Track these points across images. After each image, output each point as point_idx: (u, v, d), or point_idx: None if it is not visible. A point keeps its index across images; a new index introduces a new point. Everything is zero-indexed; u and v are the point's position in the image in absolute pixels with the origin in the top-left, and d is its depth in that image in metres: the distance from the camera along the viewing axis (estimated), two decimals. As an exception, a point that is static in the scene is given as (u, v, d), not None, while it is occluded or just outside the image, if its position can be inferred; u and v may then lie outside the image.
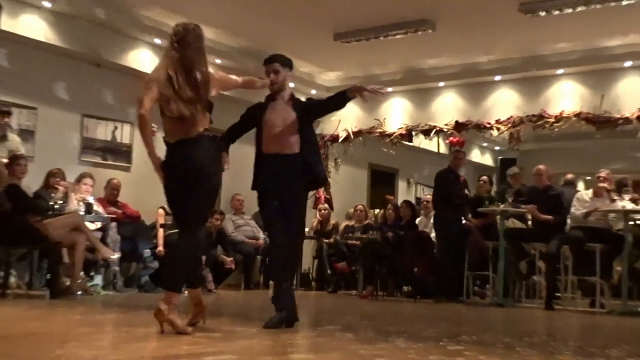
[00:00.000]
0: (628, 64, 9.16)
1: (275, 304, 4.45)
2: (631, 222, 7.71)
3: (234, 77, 4.49)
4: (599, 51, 9.23)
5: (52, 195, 7.24)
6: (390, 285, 9.22)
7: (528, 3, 7.91)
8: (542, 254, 7.95)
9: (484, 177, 9.52)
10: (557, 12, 7.91)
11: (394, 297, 9.02)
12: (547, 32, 8.77)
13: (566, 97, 9.59)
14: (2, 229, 6.29)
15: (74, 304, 5.96)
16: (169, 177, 4.12)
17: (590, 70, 9.47)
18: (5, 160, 6.92)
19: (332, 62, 10.06)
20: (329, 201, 11.17)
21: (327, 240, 10.22)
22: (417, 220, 9.56)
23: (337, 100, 4.71)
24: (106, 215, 7.81)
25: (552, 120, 9.47)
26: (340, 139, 11.22)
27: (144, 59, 9.25)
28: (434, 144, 11.50)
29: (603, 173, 7.96)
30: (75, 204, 7.42)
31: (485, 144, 14.96)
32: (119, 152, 9.35)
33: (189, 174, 4.01)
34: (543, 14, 7.98)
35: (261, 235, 9.69)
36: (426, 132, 10.64)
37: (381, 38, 9.00)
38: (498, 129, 9.98)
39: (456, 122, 10.31)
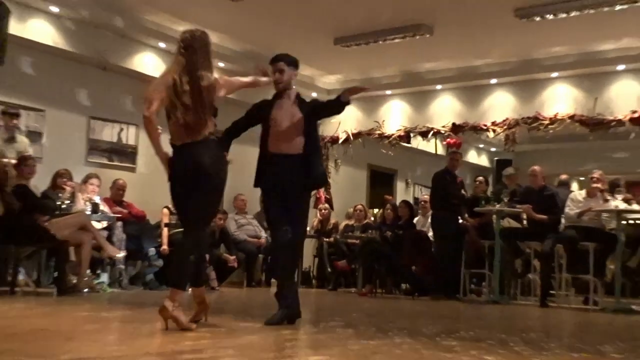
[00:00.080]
0: (621, 67, 9.16)
1: (278, 299, 4.44)
2: (624, 222, 7.72)
3: (238, 78, 4.47)
4: (592, 55, 9.23)
5: (60, 195, 7.25)
6: (389, 283, 9.22)
7: (523, 8, 7.91)
8: (537, 252, 7.94)
9: (480, 178, 9.53)
10: (551, 17, 7.92)
11: (393, 295, 9.02)
12: (542, 36, 8.77)
13: (560, 99, 9.59)
14: (11, 228, 6.30)
15: (81, 301, 5.96)
16: (174, 179, 4.12)
17: (583, 73, 9.47)
18: (13, 161, 6.92)
19: (333, 65, 10.06)
20: (329, 201, 11.18)
21: (327, 239, 10.22)
22: (415, 220, 9.56)
23: (335, 106, 4.69)
24: (112, 215, 7.81)
25: (547, 122, 9.47)
26: (340, 141, 11.22)
27: (148, 62, 9.27)
28: (432, 146, 11.52)
29: (596, 174, 7.96)
30: (82, 204, 7.42)
31: (481, 146, 14.95)
32: (124, 154, 9.35)
33: (194, 176, 4.01)
34: (538, 18, 7.99)
35: (263, 234, 9.70)
36: (424, 134, 10.64)
37: (380, 42, 9.01)
38: (494, 130, 9.98)
39: (453, 124, 10.31)
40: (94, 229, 7.11)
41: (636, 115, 8.76)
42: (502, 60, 9.83)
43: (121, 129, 9.31)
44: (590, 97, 9.24)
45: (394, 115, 11.07)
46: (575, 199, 7.85)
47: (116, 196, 8.34)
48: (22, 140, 7.53)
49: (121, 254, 7.53)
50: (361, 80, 10.97)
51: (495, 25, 8.48)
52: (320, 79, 11.15)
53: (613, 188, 8.54)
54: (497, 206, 8.23)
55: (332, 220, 10.68)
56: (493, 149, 15.07)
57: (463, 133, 10.42)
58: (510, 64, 9.86)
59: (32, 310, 5.01)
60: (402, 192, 14.01)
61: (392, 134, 10.85)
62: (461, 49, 9.56)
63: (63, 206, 7.15)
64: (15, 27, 7.53)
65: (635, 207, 8.38)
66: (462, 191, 9.04)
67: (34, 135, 8.17)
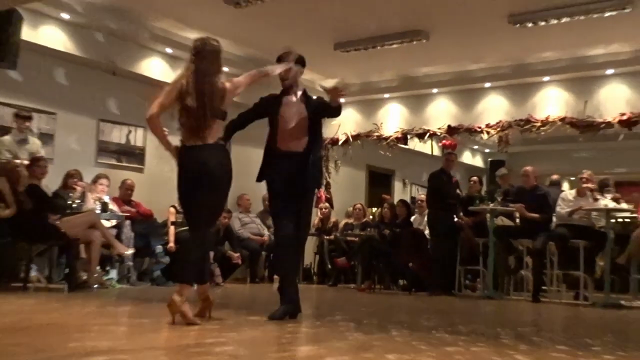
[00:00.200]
0: (610, 71, 9.16)
1: (281, 294, 4.42)
2: (613, 220, 7.72)
3: (241, 78, 4.36)
4: (582, 60, 9.23)
5: (70, 194, 7.25)
6: (387, 279, 9.21)
7: (516, 14, 7.91)
8: (529, 249, 7.94)
9: (475, 178, 9.52)
10: (543, 23, 7.92)
11: (391, 291, 9.01)
12: (534, 41, 8.77)
13: (552, 102, 9.58)
14: (24, 227, 6.30)
15: (91, 296, 5.96)
16: (181, 179, 4.14)
17: (574, 77, 9.46)
18: (26, 162, 6.93)
19: (332, 70, 10.03)
20: (329, 200, 11.18)
21: (327, 237, 10.22)
22: (412, 218, 9.56)
23: (331, 110, 4.61)
24: (121, 214, 7.82)
25: (539, 124, 9.46)
26: (340, 142, 11.22)
27: (156, 67, 9.27)
28: (428, 147, 11.51)
29: (586, 174, 7.96)
30: (91, 203, 7.42)
31: (476, 147, 14.95)
32: (132, 155, 9.36)
33: (199, 177, 4.03)
34: (530, 25, 7.99)
35: (265, 232, 9.71)
36: (420, 136, 10.63)
37: (378, 47, 9.00)
38: (488, 132, 9.98)
39: (449, 126, 10.30)
40: (104, 227, 7.11)
41: (624, 117, 8.76)
42: (496, 64, 9.83)
43: (129, 131, 9.31)
44: (581, 100, 9.23)
45: (392, 118, 11.06)
46: (566, 198, 7.85)
47: (125, 196, 8.35)
48: (34, 142, 7.53)
49: (129, 251, 7.54)
50: (360, 85, 11.02)
51: (489, 31, 8.48)
52: (321, 83, 11.12)
53: (602, 187, 8.54)
54: (491, 205, 8.23)
55: (333, 219, 10.68)
56: (487, 150, 15.07)
57: (458, 135, 10.42)
58: (503, 69, 9.86)
59: (43, 305, 5.01)
60: (400, 192, 14.02)
61: (390, 136, 10.85)
62: (456, 54, 9.55)
63: (73, 205, 7.15)
64: (28, 33, 7.54)
65: (624, 206, 8.40)
66: (457, 191, 9.03)
67: (46, 137, 8.18)
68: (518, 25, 8.04)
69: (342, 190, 11.84)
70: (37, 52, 8.03)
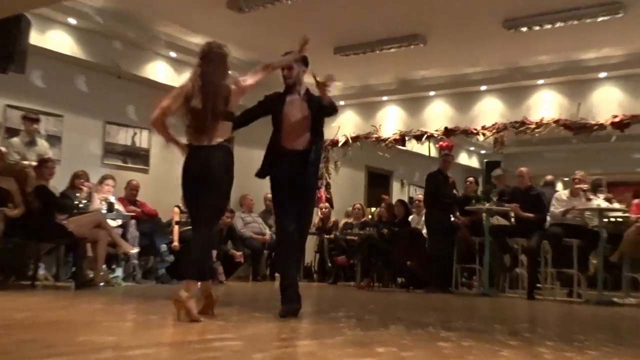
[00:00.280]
0: (602, 75, 9.16)
1: (282, 292, 4.39)
2: (605, 219, 7.72)
3: (247, 78, 4.28)
4: (575, 63, 9.23)
5: (77, 195, 7.25)
6: (386, 277, 9.22)
7: (511, 19, 7.91)
8: (524, 248, 7.94)
9: (471, 178, 9.52)
10: (537, 28, 7.92)
11: (389, 288, 9.02)
12: (529, 46, 8.77)
13: (546, 105, 9.59)
14: (32, 226, 6.31)
15: (97, 294, 5.96)
16: (186, 179, 4.15)
17: (568, 80, 9.47)
18: (34, 163, 6.94)
19: (332, 73, 10.04)
20: (329, 200, 11.19)
21: (327, 236, 10.22)
22: (410, 218, 9.56)
23: (325, 108, 4.52)
24: (126, 214, 7.82)
25: (533, 126, 9.46)
26: (340, 144, 11.22)
27: (160, 71, 9.28)
28: (425, 148, 11.52)
29: (579, 175, 7.97)
30: (98, 203, 7.43)
31: (472, 148, 14.96)
32: (138, 156, 9.36)
33: (202, 178, 4.03)
34: (525, 29, 7.99)
35: (267, 231, 9.71)
36: (418, 137, 10.64)
37: (377, 51, 9.01)
38: (484, 134, 9.98)
39: (445, 128, 10.30)
40: (110, 227, 7.11)
41: (617, 119, 8.76)
42: (491, 68, 9.83)
43: (135, 133, 9.32)
44: (574, 102, 9.23)
45: (390, 120, 11.07)
46: (559, 198, 7.85)
47: (130, 196, 8.36)
48: (42, 144, 7.54)
49: (135, 250, 7.54)
50: (359, 88, 11.02)
51: (484, 35, 8.48)
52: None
53: (595, 188, 8.56)
54: (487, 205, 8.24)
55: (333, 218, 10.68)
56: (483, 152, 15.08)
57: (455, 136, 10.42)
58: (498, 72, 9.86)
59: (51, 303, 5.01)
60: (398, 192, 14.02)
61: (388, 138, 10.85)
62: (453, 58, 9.56)
63: (80, 205, 7.16)
64: (36, 38, 7.55)
65: (616, 205, 8.41)
66: (454, 191, 9.03)
67: (53, 139, 8.19)
68: (513, 29, 8.04)
69: (342, 191, 11.85)
70: (45, 56, 8.04)
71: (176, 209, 8.35)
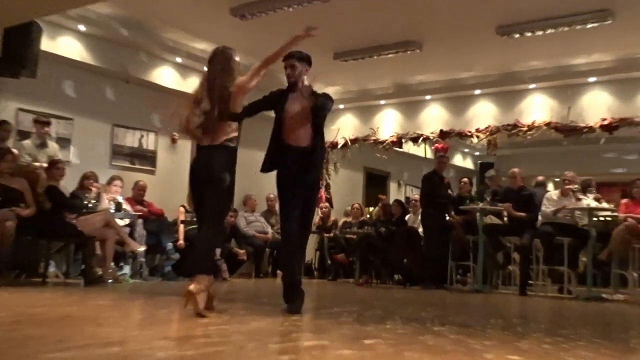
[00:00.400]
0: (592, 79, 9.16)
1: (286, 289, 4.35)
2: (595, 219, 7.72)
3: (245, 77, 4.20)
4: (566, 68, 9.24)
5: (86, 195, 7.25)
6: (383, 274, 9.22)
7: (504, 26, 7.92)
8: (516, 246, 7.94)
9: (465, 179, 9.52)
10: (529, 34, 7.92)
11: (387, 285, 9.01)
12: (521, 51, 8.78)
13: (537, 108, 9.59)
14: (43, 225, 6.31)
15: (105, 291, 5.96)
16: (190, 179, 4.17)
17: (558, 85, 9.47)
18: (45, 165, 6.94)
19: (332, 78, 10.06)
20: (329, 200, 11.19)
21: (327, 235, 10.22)
22: (407, 217, 9.56)
23: (317, 108, 4.42)
24: (133, 213, 7.82)
25: (525, 129, 9.47)
26: (339, 146, 11.23)
27: (167, 75, 9.29)
28: (422, 150, 11.51)
29: (569, 175, 7.98)
30: (106, 203, 7.43)
31: (466, 150, 14.96)
32: (145, 157, 9.36)
33: (205, 179, 4.04)
34: (517, 35, 8.00)
35: (269, 230, 9.71)
36: (414, 140, 10.64)
37: (375, 57, 9.02)
38: (477, 136, 9.98)
39: (441, 130, 10.30)
40: (118, 226, 7.11)
41: (606, 122, 8.77)
42: (485, 73, 9.84)
43: (142, 136, 9.32)
44: (564, 106, 9.24)
45: (388, 123, 11.07)
46: (550, 198, 7.86)
47: (137, 196, 8.36)
48: (53, 146, 7.54)
49: (142, 248, 7.54)
50: (357, 92, 11.02)
51: (478, 41, 8.49)
52: (321, 90, 11.12)
53: (585, 188, 8.56)
54: (481, 205, 8.23)
55: (332, 218, 10.68)
56: (477, 153, 15.08)
57: (450, 139, 10.43)
58: (492, 77, 9.87)
59: (61, 299, 5.01)
60: (395, 192, 14.01)
61: (386, 140, 10.85)
62: (448, 63, 9.56)
63: (89, 205, 7.15)
64: (47, 44, 7.56)
65: (605, 205, 8.42)
66: (449, 191, 9.03)
67: (64, 141, 8.19)
68: (506, 36, 8.05)
69: (341, 191, 11.85)
70: (56, 61, 8.05)
71: (181, 209, 8.35)
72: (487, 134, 9.86)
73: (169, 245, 8.04)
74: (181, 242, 8.06)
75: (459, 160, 14.95)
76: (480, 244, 7.99)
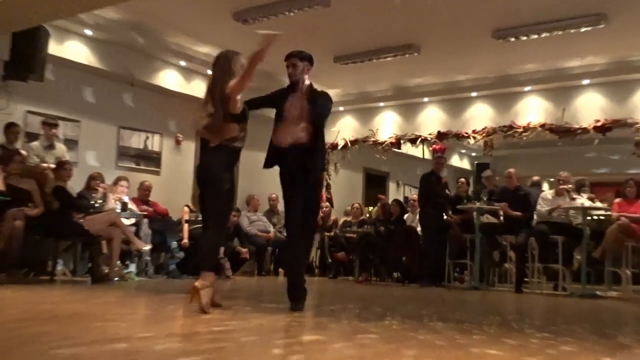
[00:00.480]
0: (586, 82, 9.16)
1: (289, 288, 4.31)
2: (589, 218, 7.72)
3: (238, 80, 4.09)
4: (560, 71, 9.23)
5: (93, 195, 7.26)
6: (382, 272, 9.22)
7: (500, 30, 7.92)
8: (512, 245, 7.94)
9: (462, 179, 9.52)
10: (525, 38, 7.93)
11: (385, 282, 9.01)
12: (517, 55, 8.78)
13: (533, 110, 9.59)
14: (51, 225, 6.33)
15: (112, 288, 5.96)
16: (196, 179, 4.21)
17: (553, 87, 9.47)
18: (52, 166, 6.95)
19: (333, 81, 10.06)
20: (329, 200, 11.19)
21: (328, 234, 10.22)
22: (405, 216, 9.56)
23: (314, 114, 4.37)
24: (139, 213, 7.83)
25: (521, 130, 9.47)
26: (339, 147, 11.23)
27: (171, 78, 9.29)
28: (420, 151, 11.51)
29: (564, 175, 7.98)
30: (112, 203, 7.43)
31: (463, 151, 14.96)
32: (150, 159, 9.37)
33: (204, 179, 4.07)
34: (513, 39, 8.00)
35: (271, 229, 9.72)
36: (413, 141, 10.64)
37: (374, 60, 9.02)
38: (474, 137, 9.98)
39: (438, 132, 10.31)
40: (123, 225, 7.12)
41: (599, 124, 8.77)
42: (481, 75, 9.84)
43: (147, 137, 9.32)
44: (559, 108, 9.24)
45: (386, 125, 11.07)
46: (545, 198, 7.86)
47: (143, 196, 8.36)
48: (60, 147, 7.55)
49: (147, 247, 7.55)
50: (357, 94, 11.02)
51: (475, 45, 8.49)
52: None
53: (579, 188, 8.56)
54: (477, 204, 8.24)
55: (333, 217, 10.68)
56: (473, 154, 15.08)
57: (447, 140, 10.43)
58: (488, 79, 9.87)
59: (69, 297, 5.01)
60: (394, 192, 14.02)
61: (385, 141, 10.86)
62: (445, 66, 9.57)
63: (96, 205, 7.16)
64: (54, 48, 7.58)
65: (598, 204, 8.41)
66: (447, 191, 9.03)
67: (71, 143, 8.20)
68: (502, 39, 8.05)
69: (341, 191, 11.85)
70: (63, 65, 8.06)
71: (186, 208, 8.36)
72: (484, 135, 9.86)
73: (174, 244, 8.04)
74: (185, 241, 8.07)
75: (456, 160, 14.95)
76: (477, 242, 7.99)
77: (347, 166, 11.84)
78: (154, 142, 9.41)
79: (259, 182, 9.18)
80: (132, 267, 7.49)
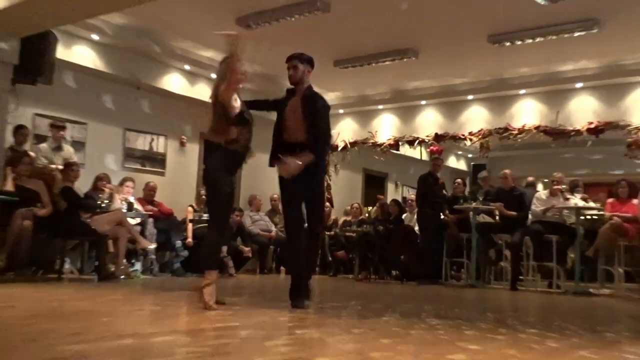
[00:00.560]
0: (579, 85, 9.15)
1: (294, 287, 4.26)
2: (582, 217, 7.72)
3: (226, 84, 4.07)
4: (554, 75, 9.22)
5: (100, 195, 7.26)
6: (381, 270, 9.21)
7: (495, 35, 7.91)
8: (507, 243, 7.94)
9: (459, 180, 9.52)
10: (519, 42, 7.92)
11: (384, 280, 9.00)
12: (511, 59, 8.77)
13: (527, 113, 9.58)
14: (59, 224, 6.33)
15: (118, 286, 5.96)
16: (202, 180, 4.26)
17: (547, 90, 9.45)
18: (60, 167, 6.95)
19: (333, 84, 10.06)
20: (330, 200, 11.16)
21: (328, 233, 10.21)
22: (404, 216, 9.55)
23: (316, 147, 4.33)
24: (144, 212, 7.83)
25: (516, 132, 9.45)
26: (339, 149, 11.22)
27: (175, 82, 9.28)
28: (417, 152, 11.51)
29: (557, 176, 7.98)
30: (118, 203, 7.43)
31: (460, 152, 14.95)
32: (155, 160, 9.37)
33: (205, 180, 4.12)
34: (508, 44, 7.99)
35: (273, 228, 9.71)
36: (411, 142, 10.63)
37: (373, 64, 9.01)
38: (470, 139, 9.97)
39: (436, 134, 10.30)
40: (129, 225, 7.12)
41: (592, 126, 8.75)
42: (477, 79, 9.82)
43: (152, 139, 9.32)
44: (553, 110, 9.22)
45: (385, 127, 11.07)
46: (540, 198, 7.85)
47: (148, 196, 8.36)
48: (68, 149, 7.55)
49: (152, 246, 7.55)
50: (356, 97, 11.01)
51: (471, 49, 8.48)
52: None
53: (573, 188, 8.56)
54: (474, 204, 8.24)
55: (333, 217, 10.67)
56: (470, 155, 15.06)
57: (444, 142, 10.41)
58: (484, 83, 9.85)
59: (76, 294, 5.02)
60: (392, 192, 14.01)
61: (384, 143, 10.84)
62: (442, 70, 9.56)
63: (103, 205, 7.16)
64: (62, 52, 7.57)
65: (591, 204, 8.41)
66: (444, 191, 9.03)
67: (78, 145, 8.19)
68: (497, 44, 8.04)
69: (341, 191, 11.84)
70: (70, 69, 8.06)
71: (190, 208, 8.35)
72: (480, 137, 9.85)
73: (178, 243, 8.04)
74: (189, 239, 8.07)
75: (453, 162, 14.94)
76: (474, 241, 7.99)
77: (347, 167, 11.83)
78: (159, 144, 9.40)
79: (261, 182, 9.19)
80: (138, 266, 7.49)
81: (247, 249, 8.88)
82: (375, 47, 8.62)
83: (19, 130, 7.09)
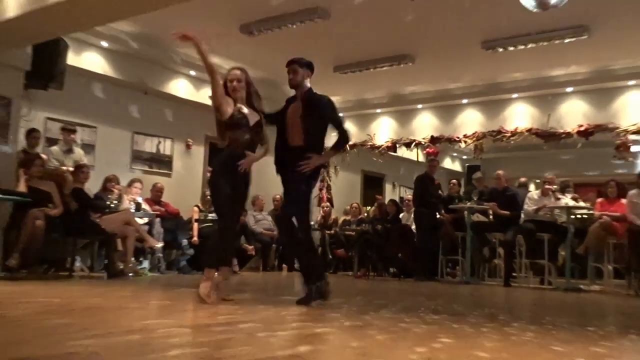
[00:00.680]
0: (569, 89, 9.16)
1: (306, 273, 4.27)
2: (573, 216, 7.71)
3: (214, 90, 4.12)
4: (546, 79, 9.23)
5: (109, 196, 7.26)
6: (379, 268, 9.21)
7: (489, 41, 7.92)
8: (501, 242, 7.94)
9: (454, 181, 9.53)
10: (512, 48, 7.93)
11: (382, 277, 9.00)
12: (504, 64, 8.78)
13: (520, 116, 9.58)
14: (70, 224, 6.33)
15: (126, 283, 5.96)
16: None
17: (539, 94, 9.46)
18: (71, 169, 6.95)
19: (333, 89, 9.97)
20: (330, 200, 11.18)
21: (328, 232, 10.21)
22: (401, 215, 9.55)
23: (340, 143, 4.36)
24: (152, 212, 7.83)
25: (509, 134, 9.46)
26: (339, 150, 11.20)
27: (182, 87, 9.29)
28: (414, 154, 11.51)
29: (549, 177, 7.98)
30: (127, 204, 7.43)
31: (455, 154, 14.95)
32: (162, 162, 9.37)
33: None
34: (501, 49, 8.00)
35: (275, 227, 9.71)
36: (407, 145, 10.64)
37: (371, 70, 9.02)
38: (465, 142, 9.98)
39: (431, 136, 10.30)
40: (137, 224, 7.12)
41: (582, 128, 8.76)
42: (472, 84, 9.83)
43: (159, 142, 9.33)
44: (545, 114, 9.23)
45: (383, 130, 11.07)
46: (532, 198, 7.85)
47: (155, 197, 8.36)
48: (78, 152, 7.56)
49: (159, 245, 7.55)
50: (355, 101, 11.01)
51: (465, 55, 8.48)
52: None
53: (564, 188, 8.56)
54: (468, 204, 8.23)
55: (333, 216, 10.67)
56: (464, 157, 15.06)
57: (440, 144, 10.42)
58: (478, 87, 9.86)
59: (86, 291, 5.01)
60: (390, 193, 14.01)
61: (382, 145, 10.85)
62: (438, 75, 9.57)
63: (112, 205, 7.16)
64: (73, 59, 7.58)
65: (582, 204, 8.41)
66: (439, 191, 9.03)
67: (88, 147, 8.20)
68: (490, 50, 8.05)
69: (341, 192, 11.85)
70: (81, 75, 8.06)
71: (195, 208, 8.35)
72: (474, 139, 9.85)
73: (184, 241, 8.05)
74: (195, 238, 8.07)
75: (448, 163, 14.94)
76: (468, 239, 7.98)
77: (346, 168, 11.83)
78: (166, 147, 9.41)
79: (264, 183, 9.15)
80: (146, 264, 7.49)
81: (250, 247, 8.88)
82: (374, 53, 8.62)
83: (31, 133, 7.10)
